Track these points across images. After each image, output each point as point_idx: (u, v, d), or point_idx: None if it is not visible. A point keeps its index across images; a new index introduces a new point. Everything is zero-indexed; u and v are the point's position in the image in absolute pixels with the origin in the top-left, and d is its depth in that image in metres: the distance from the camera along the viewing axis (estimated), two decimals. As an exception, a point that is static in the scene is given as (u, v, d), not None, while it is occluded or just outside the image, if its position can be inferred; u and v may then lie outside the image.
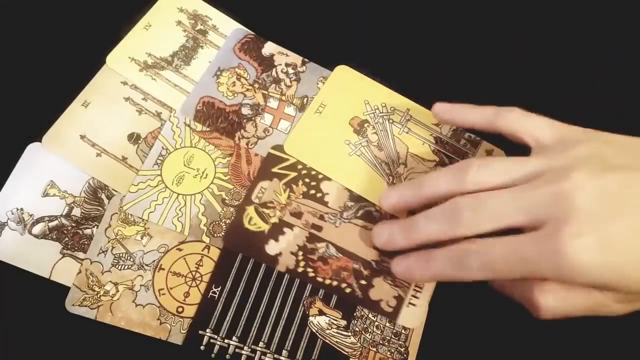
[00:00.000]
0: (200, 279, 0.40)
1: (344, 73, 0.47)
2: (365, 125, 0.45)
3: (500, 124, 0.38)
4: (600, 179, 0.32)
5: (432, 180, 0.37)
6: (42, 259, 0.40)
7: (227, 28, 0.47)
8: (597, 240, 0.31)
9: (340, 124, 0.45)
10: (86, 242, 0.41)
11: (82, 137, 0.43)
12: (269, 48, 0.47)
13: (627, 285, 0.32)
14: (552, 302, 0.33)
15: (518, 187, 0.34)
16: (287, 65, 0.47)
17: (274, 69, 0.46)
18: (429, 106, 0.45)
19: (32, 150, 0.42)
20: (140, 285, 0.40)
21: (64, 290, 0.39)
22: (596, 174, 0.32)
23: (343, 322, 0.40)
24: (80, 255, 0.40)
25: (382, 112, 0.45)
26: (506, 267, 0.33)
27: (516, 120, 0.38)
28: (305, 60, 0.47)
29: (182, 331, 0.39)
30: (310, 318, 0.40)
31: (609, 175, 0.32)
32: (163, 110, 0.45)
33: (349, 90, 0.46)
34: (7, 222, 0.41)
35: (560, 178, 0.33)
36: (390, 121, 0.45)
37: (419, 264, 0.37)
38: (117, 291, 0.40)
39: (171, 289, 0.40)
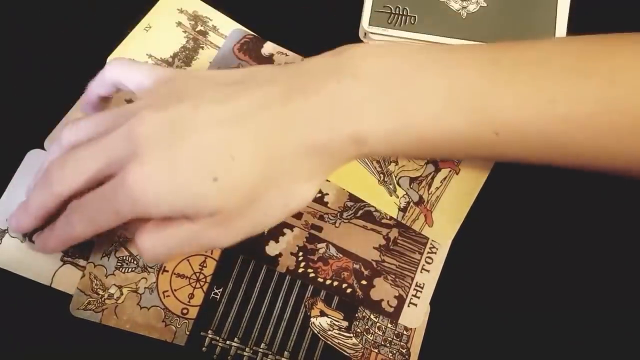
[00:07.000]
0: (204, 280, 0.41)
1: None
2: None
3: (107, 81, 0.38)
4: (165, 111, 0.32)
5: (49, 164, 0.36)
6: (42, 266, 0.40)
7: (227, 28, 0.47)
8: (160, 167, 0.31)
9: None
10: (87, 249, 0.41)
11: (84, 140, 0.43)
12: (269, 48, 0.47)
13: (203, 205, 0.31)
14: (149, 242, 0.32)
15: (100, 136, 0.34)
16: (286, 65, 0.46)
17: (273, 69, 0.46)
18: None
19: (32, 157, 0.42)
20: (145, 287, 0.40)
21: (66, 298, 0.40)
22: (163, 107, 0.32)
23: (345, 323, 0.40)
24: (81, 262, 0.41)
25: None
26: (104, 217, 0.33)
27: (119, 70, 0.37)
28: (305, 59, 0.47)
29: (187, 333, 0.39)
30: (312, 319, 0.40)
31: (174, 105, 0.32)
32: (164, 112, 0.45)
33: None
34: (7, 230, 0.41)
35: (130, 116, 0.33)
36: None
37: (46, 234, 0.37)
38: (122, 294, 0.40)
39: (175, 290, 0.40)
